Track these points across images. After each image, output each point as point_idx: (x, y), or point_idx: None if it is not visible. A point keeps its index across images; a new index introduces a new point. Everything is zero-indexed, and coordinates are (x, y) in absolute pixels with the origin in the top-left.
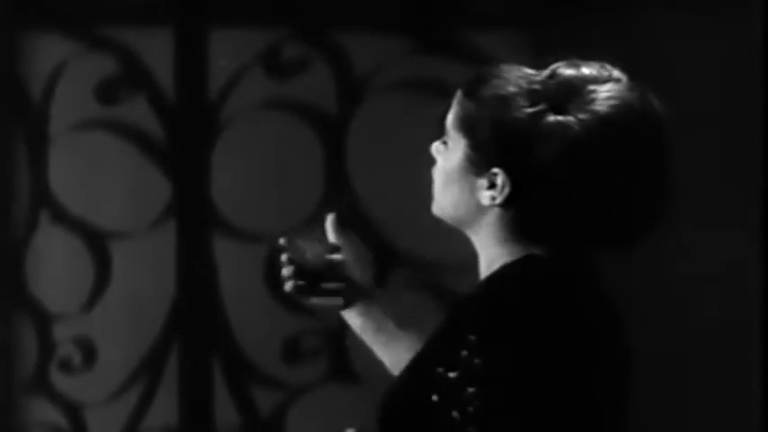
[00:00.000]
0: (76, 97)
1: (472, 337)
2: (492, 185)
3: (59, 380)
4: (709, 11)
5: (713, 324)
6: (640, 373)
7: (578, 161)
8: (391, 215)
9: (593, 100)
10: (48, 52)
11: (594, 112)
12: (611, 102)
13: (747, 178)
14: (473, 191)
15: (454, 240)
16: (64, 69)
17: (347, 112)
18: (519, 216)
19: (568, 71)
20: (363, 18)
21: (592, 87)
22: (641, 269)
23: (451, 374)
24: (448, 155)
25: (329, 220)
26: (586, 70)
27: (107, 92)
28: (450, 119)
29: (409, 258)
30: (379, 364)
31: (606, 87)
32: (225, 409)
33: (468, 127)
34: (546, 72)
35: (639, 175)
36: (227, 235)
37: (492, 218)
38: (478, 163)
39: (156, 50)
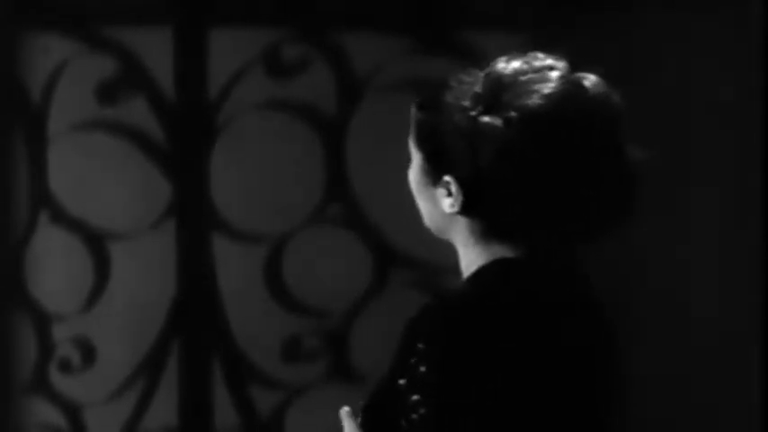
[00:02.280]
0: (76, 97)
1: (420, 345)
2: (449, 193)
3: (59, 380)
4: (709, 11)
5: (713, 324)
6: (640, 374)
7: (513, 159)
8: (391, 215)
9: (520, 94)
10: (48, 52)
11: (521, 107)
12: (537, 93)
13: (747, 178)
14: (436, 201)
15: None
16: (64, 69)
17: (347, 112)
18: (479, 219)
19: (499, 66)
20: (363, 18)
21: (522, 79)
22: (640, 269)
23: (401, 382)
24: (412, 170)
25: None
26: (516, 63)
27: (107, 92)
28: (411, 134)
29: (409, 258)
30: (378, 364)
31: (534, 78)
32: (224, 409)
33: (419, 139)
34: (483, 73)
35: (578, 163)
36: (227, 235)
37: (460, 224)
38: (432, 173)
39: (156, 50)
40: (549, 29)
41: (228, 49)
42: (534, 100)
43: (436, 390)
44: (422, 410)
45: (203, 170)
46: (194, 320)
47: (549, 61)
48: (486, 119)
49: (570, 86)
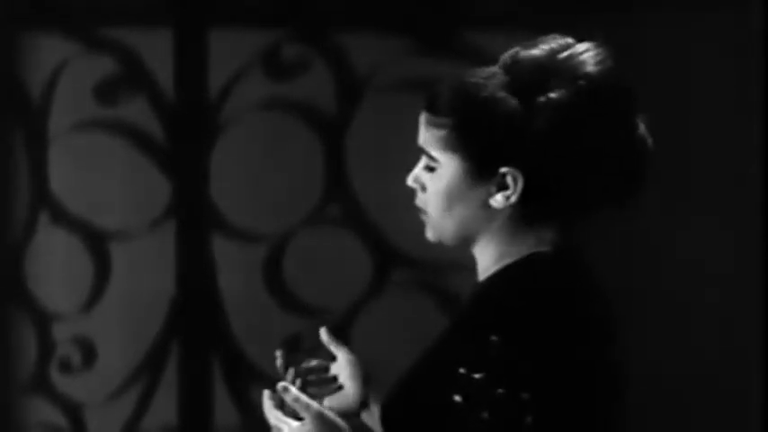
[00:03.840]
0: (76, 97)
1: (494, 338)
2: (501, 187)
3: (59, 380)
4: (709, 11)
5: (713, 324)
6: (640, 371)
7: (576, 130)
8: (391, 215)
9: (578, 65)
10: (48, 52)
11: (586, 76)
12: (592, 61)
13: (747, 178)
14: (481, 200)
15: None
16: (64, 69)
17: (347, 112)
18: (532, 206)
19: (531, 52)
20: (363, 18)
21: (559, 58)
22: (640, 269)
23: (477, 376)
24: (439, 178)
25: (323, 332)
26: (544, 45)
27: (107, 92)
28: (432, 142)
29: (409, 259)
30: (378, 364)
31: (576, 51)
32: (225, 408)
33: (457, 143)
34: (506, 62)
35: (626, 125)
36: (226, 235)
37: (501, 221)
38: (480, 171)
39: (156, 50)
40: (549, 29)
41: (228, 49)
42: (595, 67)
43: (523, 380)
44: (509, 403)
45: (203, 170)
46: (194, 320)
47: (569, 39)
48: (543, 97)
49: (607, 52)
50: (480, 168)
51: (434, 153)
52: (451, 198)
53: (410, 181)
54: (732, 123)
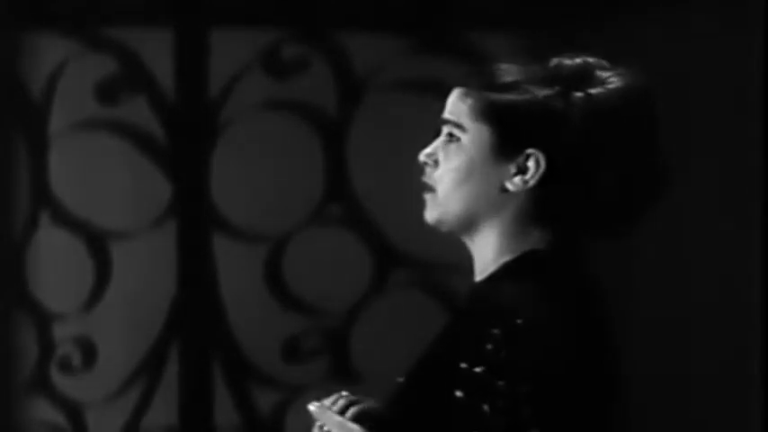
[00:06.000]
0: (76, 97)
1: (495, 331)
2: (520, 170)
3: (59, 380)
4: (709, 11)
5: (713, 324)
6: (640, 371)
7: (605, 127)
8: (391, 215)
9: (607, 78)
10: (48, 52)
11: (613, 88)
12: (623, 80)
13: (748, 178)
14: (498, 179)
15: (454, 240)
16: (64, 69)
17: (347, 112)
18: (544, 196)
19: (576, 60)
20: (363, 18)
21: (600, 72)
22: (640, 267)
23: (477, 369)
24: (460, 149)
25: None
26: (590, 59)
27: (107, 92)
28: (464, 111)
29: (409, 259)
30: (379, 364)
31: (612, 70)
32: (225, 409)
33: (492, 115)
34: (548, 64)
35: (650, 139)
36: (227, 235)
37: (508, 211)
38: (507, 148)
39: (156, 50)
40: (548, 29)
41: (228, 49)
42: (632, 80)
43: (523, 373)
44: (508, 395)
45: (204, 170)
46: (194, 320)
47: (606, 62)
48: (581, 93)
49: (638, 79)
50: (507, 144)
51: (464, 121)
52: (469, 171)
53: (423, 156)
54: (732, 123)
